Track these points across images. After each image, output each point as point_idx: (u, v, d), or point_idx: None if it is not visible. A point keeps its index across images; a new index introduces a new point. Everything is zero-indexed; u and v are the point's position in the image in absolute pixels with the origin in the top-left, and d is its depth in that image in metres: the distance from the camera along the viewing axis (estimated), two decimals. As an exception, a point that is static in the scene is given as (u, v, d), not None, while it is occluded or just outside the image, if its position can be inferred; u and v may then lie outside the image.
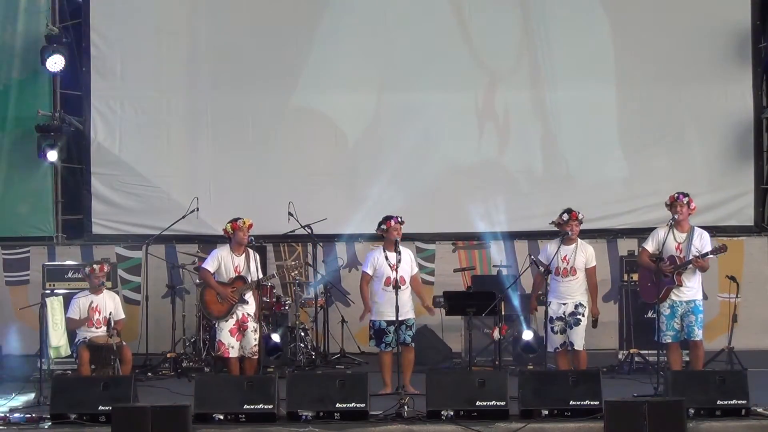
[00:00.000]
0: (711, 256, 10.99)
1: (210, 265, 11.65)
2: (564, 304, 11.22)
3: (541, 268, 11.40)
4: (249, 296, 11.58)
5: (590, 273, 11.31)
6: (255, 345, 11.49)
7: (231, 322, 11.53)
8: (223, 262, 11.61)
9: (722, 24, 14.63)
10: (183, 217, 13.75)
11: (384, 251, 11.43)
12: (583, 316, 11.19)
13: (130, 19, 14.93)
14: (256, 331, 11.53)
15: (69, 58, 14.45)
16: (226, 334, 11.53)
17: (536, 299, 11.60)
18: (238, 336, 11.49)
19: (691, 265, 10.96)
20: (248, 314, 11.51)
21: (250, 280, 11.52)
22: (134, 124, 14.92)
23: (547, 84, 14.72)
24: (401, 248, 11.51)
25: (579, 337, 11.19)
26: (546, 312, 11.14)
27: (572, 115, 14.74)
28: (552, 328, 11.21)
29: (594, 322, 11.36)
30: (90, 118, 14.90)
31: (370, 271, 11.49)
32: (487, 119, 14.85)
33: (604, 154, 14.77)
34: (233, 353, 11.49)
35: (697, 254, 10.94)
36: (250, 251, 11.72)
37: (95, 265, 12.04)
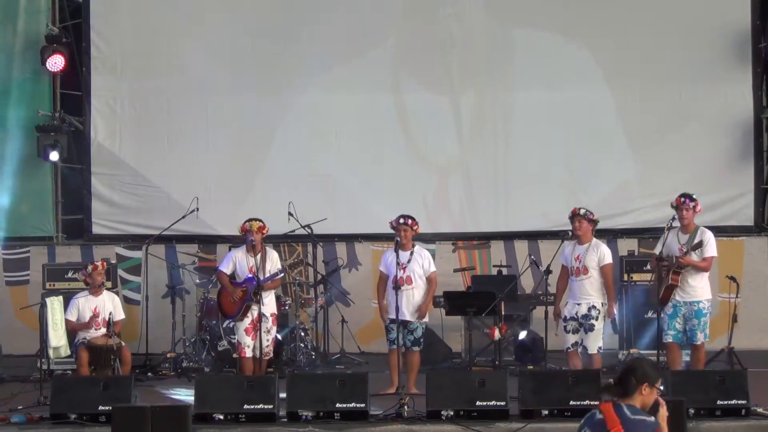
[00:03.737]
0: (693, 252, 10.91)
1: (225, 266, 11.79)
2: (578, 304, 11.10)
3: (542, 268, 11.39)
4: (267, 296, 11.55)
5: (605, 271, 11.11)
6: (267, 346, 11.51)
7: (246, 322, 11.57)
8: (238, 262, 11.70)
9: (722, 24, 14.62)
10: (183, 217, 13.74)
11: (396, 250, 11.40)
12: (596, 320, 11.03)
13: (130, 19, 14.94)
14: (269, 332, 11.55)
15: (69, 58, 14.46)
16: (242, 334, 11.58)
17: (558, 304, 11.30)
18: (253, 335, 11.52)
19: (688, 266, 10.94)
20: (263, 314, 11.49)
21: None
22: (134, 124, 14.92)
23: (546, 84, 14.70)
24: (417, 248, 11.52)
25: (593, 342, 11.04)
26: (546, 312, 11.11)
27: (572, 116, 14.74)
28: (565, 327, 11.15)
29: (614, 326, 11.24)
30: (90, 118, 14.90)
31: (384, 270, 11.53)
32: (488, 120, 14.85)
33: (604, 154, 14.76)
34: (248, 353, 11.53)
35: (682, 254, 10.91)
36: (268, 250, 11.78)
37: (96, 263, 12.07)
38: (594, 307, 11.07)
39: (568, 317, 11.16)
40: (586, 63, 14.71)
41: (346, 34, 14.83)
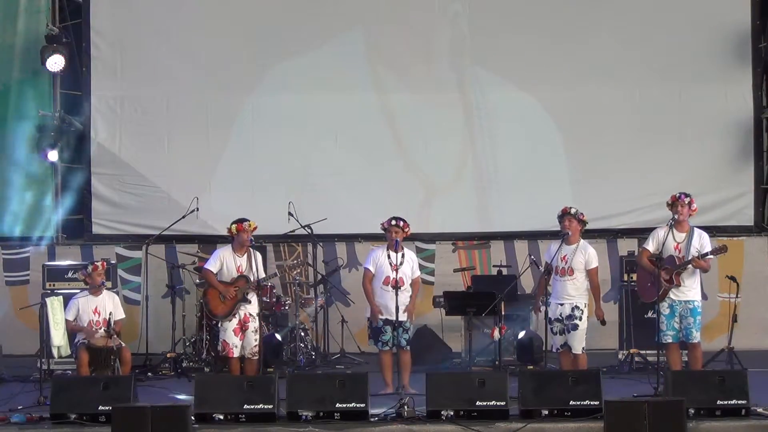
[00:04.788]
0: (711, 256, 10.99)
1: (212, 265, 11.72)
2: (561, 305, 11.14)
3: (541, 268, 11.40)
4: (252, 296, 11.60)
5: (591, 274, 11.18)
6: (255, 345, 11.51)
7: (234, 322, 11.57)
8: (226, 262, 11.67)
9: (722, 24, 14.63)
10: (183, 217, 13.75)
11: (387, 250, 11.44)
12: (580, 320, 11.08)
13: (130, 19, 14.94)
14: (256, 331, 11.55)
15: (69, 58, 14.46)
16: (230, 334, 11.57)
17: (539, 300, 11.41)
18: (240, 336, 11.54)
19: (690, 266, 10.96)
20: (250, 314, 11.54)
21: (252, 280, 11.55)
22: (134, 124, 14.93)
23: (546, 84, 14.71)
24: (405, 250, 11.54)
25: (577, 342, 11.11)
26: (546, 312, 11.13)
27: (572, 115, 14.75)
28: (551, 329, 11.18)
29: (602, 321, 11.24)
30: (90, 118, 14.90)
31: (372, 268, 11.51)
32: (488, 119, 14.85)
33: (604, 154, 14.77)
34: (236, 353, 11.54)
35: (697, 254, 10.95)
36: (252, 251, 11.76)
37: (96, 262, 12.08)
38: (577, 307, 11.11)
39: (553, 319, 11.18)
40: (586, 62, 14.71)
41: (347, 34, 14.83)
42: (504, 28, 14.81)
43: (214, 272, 11.68)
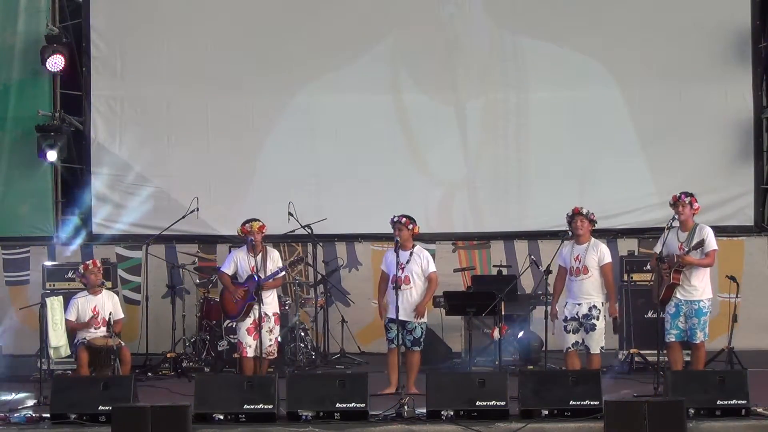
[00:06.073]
0: (694, 251, 10.94)
1: (226, 267, 11.82)
2: (578, 304, 11.12)
3: (542, 268, 11.40)
4: (269, 296, 11.59)
5: (605, 271, 11.15)
6: (270, 345, 11.54)
7: (248, 322, 11.59)
8: (239, 263, 11.72)
9: (722, 24, 14.62)
10: (183, 217, 13.76)
11: (396, 250, 11.42)
12: (598, 319, 11.05)
13: (130, 19, 14.94)
14: (271, 331, 11.57)
15: (69, 58, 14.46)
16: (243, 334, 11.60)
17: (554, 306, 11.28)
18: (255, 335, 11.52)
19: (687, 264, 10.95)
20: (266, 314, 11.51)
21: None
22: (134, 124, 14.92)
23: (546, 85, 14.70)
24: (417, 248, 11.55)
25: (595, 342, 11.06)
26: (546, 312, 11.12)
27: (572, 115, 14.74)
28: (565, 327, 11.15)
29: (614, 326, 11.22)
30: (90, 118, 14.90)
31: (384, 269, 11.59)
32: (488, 120, 14.84)
33: (604, 154, 14.75)
34: (250, 353, 11.54)
35: (683, 253, 10.94)
36: (268, 249, 11.80)
37: (87, 262, 12.07)
38: (595, 306, 11.09)
39: (568, 317, 11.16)
40: (586, 64, 14.70)
41: (348, 34, 14.82)
42: (502, 29, 14.80)
43: (229, 274, 11.75)
